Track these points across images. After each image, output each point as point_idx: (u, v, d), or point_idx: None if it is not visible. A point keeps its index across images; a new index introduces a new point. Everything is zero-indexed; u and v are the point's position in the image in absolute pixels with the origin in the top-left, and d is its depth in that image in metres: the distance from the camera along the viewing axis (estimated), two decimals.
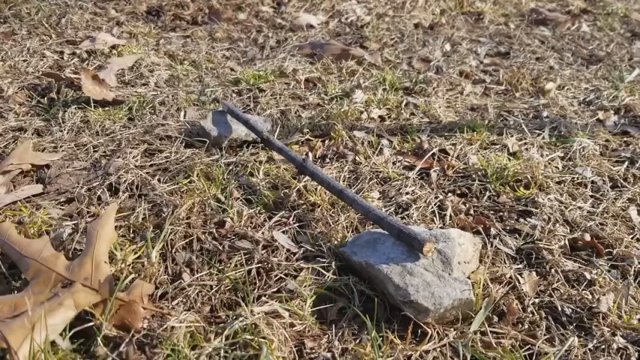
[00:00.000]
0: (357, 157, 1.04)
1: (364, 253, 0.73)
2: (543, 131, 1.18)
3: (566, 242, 0.83)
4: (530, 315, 0.69)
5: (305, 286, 0.70)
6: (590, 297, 0.72)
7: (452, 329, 0.66)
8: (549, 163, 1.06)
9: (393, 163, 1.03)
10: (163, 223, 0.81)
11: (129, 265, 0.72)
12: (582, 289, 0.74)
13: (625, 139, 1.18)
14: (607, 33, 1.98)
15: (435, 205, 0.90)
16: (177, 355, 0.59)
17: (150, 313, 0.65)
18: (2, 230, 0.72)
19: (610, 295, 0.72)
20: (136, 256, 0.74)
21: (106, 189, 0.91)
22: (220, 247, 0.77)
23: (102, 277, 0.65)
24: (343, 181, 0.97)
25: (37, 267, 0.67)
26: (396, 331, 0.65)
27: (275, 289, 0.70)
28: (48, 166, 0.97)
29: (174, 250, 0.76)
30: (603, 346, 0.65)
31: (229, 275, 0.71)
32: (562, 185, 0.98)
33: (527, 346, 0.64)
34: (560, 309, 0.70)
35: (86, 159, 1.00)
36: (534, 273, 0.76)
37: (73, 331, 0.61)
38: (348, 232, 0.82)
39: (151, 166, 0.99)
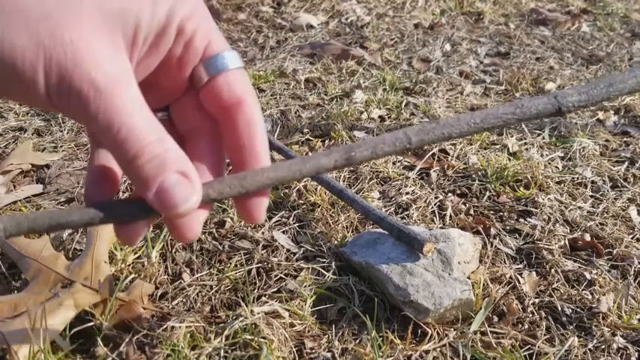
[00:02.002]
0: None
1: (364, 253, 0.73)
2: (543, 131, 1.18)
3: (566, 242, 0.83)
4: (530, 315, 0.69)
5: (305, 286, 0.70)
6: (590, 297, 0.72)
7: (452, 329, 0.66)
8: (549, 163, 1.06)
9: (393, 163, 1.03)
10: (163, 223, 0.81)
11: (129, 265, 0.72)
12: (582, 289, 0.74)
13: (625, 139, 1.18)
14: (607, 33, 1.98)
15: (435, 205, 0.90)
16: (177, 355, 0.59)
17: (150, 313, 0.65)
18: None
19: (610, 295, 0.72)
20: (136, 256, 0.74)
21: None
22: (220, 247, 0.77)
23: (102, 277, 0.65)
24: (343, 181, 0.97)
25: (37, 267, 0.67)
26: (396, 331, 0.65)
27: (275, 289, 0.70)
28: (48, 166, 0.97)
29: (174, 250, 0.76)
30: (603, 346, 0.65)
31: (229, 275, 0.71)
32: (562, 185, 0.98)
33: (527, 346, 0.64)
34: (560, 309, 0.70)
35: (86, 159, 1.00)
36: (534, 273, 0.76)
37: (73, 331, 0.61)
38: (348, 232, 0.82)
39: None
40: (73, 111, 0.31)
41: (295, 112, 1.23)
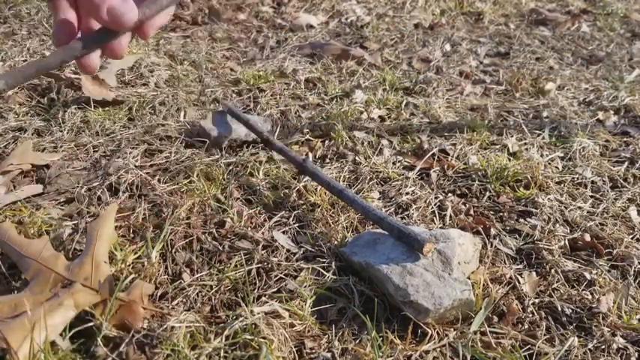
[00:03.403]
0: (357, 158, 1.04)
1: (364, 253, 0.73)
2: (543, 131, 1.18)
3: (566, 242, 0.83)
4: (530, 315, 0.69)
5: (305, 286, 0.70)
6: (590, 297, 0.72)
7: (452, 329, 0.66)
8: (549, 163, 1.06)
9: (393, 163, 1.03)
10: (163, 223, 0.81)
11: (129, 265, 0.72)
12: (582, 289, 0.74)
13: (625, 139, 1.18)
14: (607, 33, 1.98)
15: (435, 205, 0.90)
16: (177, 355, 0.59)
17: (150, 313, 0.65)
18: (2, 230, 0.72)
19: (610, 295, 0.72)
20: (136, 256, 0.74)
21: (106, 189, 0.91)
22: (220, 247, 0.77)
23: (102, 278, 0.65)
24: (343, 181, 0.97)
25: (37, 267, 0.67)
26: (396, 331, 0.65)
27: (275, 289, 0.70)
28: (48, 166, 0.97)
29: (174, 250, 0.76)
30: (603, 346, 0.65)
31: (229, 275, 0.71)
32: (562, 185, 0.98)
33: (527, 346, 0.64)
34: (560, 309, 0.70)
35: (86, 159, 1.00)
36: (534, 273, 0.76)
37: (73, 331, 0.61)
38: (348, 232, 0.82)
39: (151, 166, 0.99)
40: None
41: (295, 112, 1.23)
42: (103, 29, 0.51)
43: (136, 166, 0.97)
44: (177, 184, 0.92)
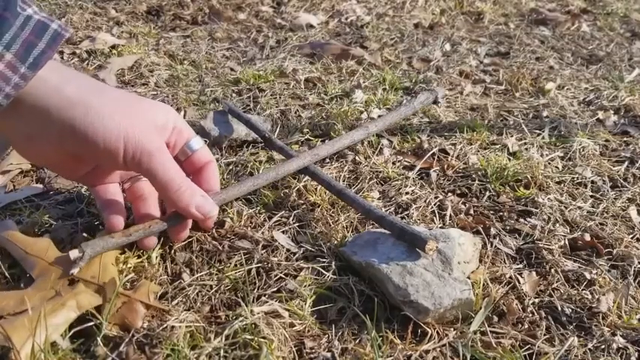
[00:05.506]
0: (356, 157, 1.04)
1: (364, 253, 0.73)
2: (543, 131, 1.18)
3: (566, 242, 0.83)
4: (530, 315, 0.69)
5: (305, 286, 0.70)
6: (590, 297, 0.72)
7: (452, 329, 0.66)
8: (549, 163, 1.06)
9: (393, 163, 1.03)
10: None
11: (129, 266, 0.72)
12: (582, 289, 0.74)
13: (625, 139, 1.18)
14: (607, 33, 1.98)
15: (434, 205, 0.90)
16: (177, 355, 0.59)
17: (151, 313, 0.65)
18: (5, 228, 0.72)
19: (610, 295, 0.72)
20: (136, 256, 0.74)
21: None
22: (220, 247, 0.77)
23: (107, 279, 0.65)
24: (343, 181, 0.97)
25: (43, 266, 0.67)
26: (396, 331, 0.65)
27: (275, 289, 0.70)
28: None
29: (173, 251, 0.76)
30: (603, 346, 0.65)
31: (229, 275, 0.71)
32: (562, 185, 0.98)
33: (527, 346, 0.64)
34: (560, 309, 0.70)
35: None
36: (534, 273, 0.76)
37: (73, 331, 0.61)
38: (348, 232, 0.82)
39: None
40: (143, 164, 0.62)
41: (295, 112, 1.23)
42: (173, 214, 0.69)
43: None
44: None
